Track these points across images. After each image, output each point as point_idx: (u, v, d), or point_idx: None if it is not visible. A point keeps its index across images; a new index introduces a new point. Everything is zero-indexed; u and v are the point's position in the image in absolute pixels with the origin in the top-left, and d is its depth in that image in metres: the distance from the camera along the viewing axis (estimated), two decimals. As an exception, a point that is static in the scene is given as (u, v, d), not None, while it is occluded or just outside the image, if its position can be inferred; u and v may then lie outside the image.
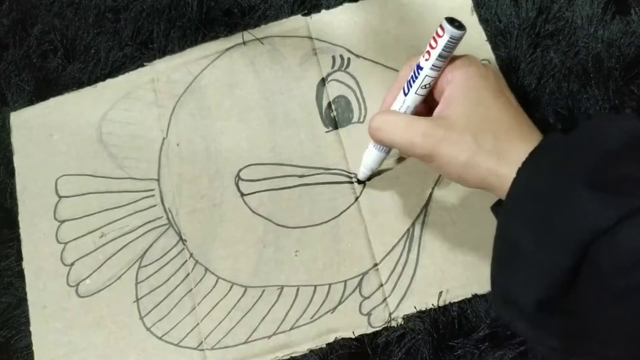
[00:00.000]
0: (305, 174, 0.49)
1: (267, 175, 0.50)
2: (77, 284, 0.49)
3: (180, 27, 0.55)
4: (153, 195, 0.51)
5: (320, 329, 0.46)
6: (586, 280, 0.31)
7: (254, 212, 0.49)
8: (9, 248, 0.51)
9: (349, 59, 0.52)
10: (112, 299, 0.48)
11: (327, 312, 0.46)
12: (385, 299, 0.46)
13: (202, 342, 0.47)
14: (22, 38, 0.57)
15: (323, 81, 0.51)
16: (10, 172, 0.53)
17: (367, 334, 0.45)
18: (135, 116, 0.53)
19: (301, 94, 0.51)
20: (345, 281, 0.47)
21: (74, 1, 0.57)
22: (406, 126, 0.38)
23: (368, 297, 0.46)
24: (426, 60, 0.38)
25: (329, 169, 0.49)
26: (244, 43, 0.53)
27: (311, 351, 0.45)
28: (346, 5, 0.53)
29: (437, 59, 0.38)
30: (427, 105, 0.41)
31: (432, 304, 0.45)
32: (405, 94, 0.40)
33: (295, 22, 0.53)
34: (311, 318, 0.46)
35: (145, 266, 0.49)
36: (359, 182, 0.49)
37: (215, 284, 0.48)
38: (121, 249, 0.49)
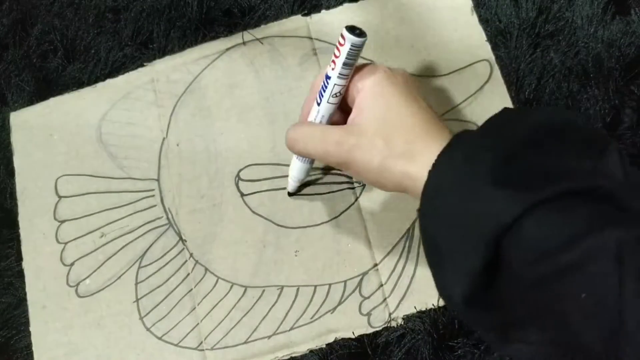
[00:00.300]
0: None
1: (267, 176, 0.50)
2: (77, 284, 0.49)
3: (180, 27, 0.55)
4: (153, 196, 0.50)
5: (320, 329, 0.46)
6: (503, 274, 0.32)
7: (254, 212, 0.49)
8: (9, 248, 0.51)
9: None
10: (112, 299, 0.48)
11: (327, 312, 0.46)
12: (385, 299, 0.46)
13: (202, 342, 0.47)
14: (22, 38, 0.57)
15: (323, 81, 0.51)
16: (10, 172, 0.53)
17: (367, 334, 0.45)
18: (135, 116, 0.53)
19: (301, 94, 0.51)
20: (345, 281, 0.47)
21: (74, 1, 0.57)
22: (320, 136, 0.39)
23: (368, 297, 0.46)
24: (332, 69, 0.39)
25: (329, 170, 0.49)
26: (244, 43, 0.53)
27: (311, 351, 0.45)
28: (346, 5, 0.53)
29: (342, 67, 0.39)
30: (344, 114, 0.42)
31: (432, 304, 0.45)
32: (319, 104, 0.41)
33: (295, 22, 0.53)
34: (311, 318, 0.46)
35: (145, 266, 0.49)
36: (290, 194, 0.49)
37: (215, 284, 0.48)
38: (121, 249, 0.49)
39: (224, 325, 0.47)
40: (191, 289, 0.48)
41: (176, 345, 0.47)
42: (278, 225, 0.48)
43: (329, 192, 0.49)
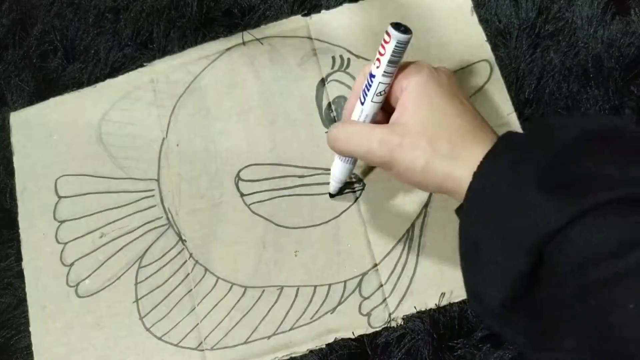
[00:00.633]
0: (305, 174, 0.49)
1: (266, 176, 0.50)
2: (77, 284, 0.49)
3: (180, 27, 0.55)
4: (153, 196, 0.50)
5: (320, 329, 0.46)
6: (546, 281, 0.32)
7: (253, 212, 0.49)
8: (9, 248, 0.51)
9: (348, 59, 0.52)
10: (111, 299, 0.48)
11: (326, 313, 0.46)
12: (385, 299, 0.46)
13: (201, 342, 0.47)
14: (22, 38, 0.57)
15: (323, 81, 0.51)
16: (10, 172, 0.53)
17: (366, 335, 0.45)
18: (135, 116, 0.53)
19: (301, 95, 0.51)
20: (345, 281, 0.47)
21: (74, 1, 0.57)
22: (363, 135, 0.39)
23: (368, 298, 0.46)
24: (377, 67, 0.39)
25: (329, 170, 0.49)
26: (244, 43, 0.53)
27: (311, 351, 0.45)
28: (346, 5, 0.53)
29: (387, 65, 0.38)
30: (386, 113, 0.41)
31: (432, 305, 0.45)
32: (362, 103, 0.40)
33: (295, 23, 0.53)
34: (311, 318, 0.46)
35: (145, 266, 0.49)
36: (331, 196, 0.48)
37: (215, 284, 0.48)
38: (121, 249, 0.49)
39: (223, 326, 0.47)
40: (191, 289, 0.48)
41: (176, 345, 0.47)
42: (278, 225, 0.48)
43: (328, 192, 0.49)
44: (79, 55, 0.55)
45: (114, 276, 0.49)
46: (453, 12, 0.52)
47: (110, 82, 0.54)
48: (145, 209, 0.50)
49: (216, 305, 0.47)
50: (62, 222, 0.51)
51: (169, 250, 0.49)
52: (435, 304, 0.45)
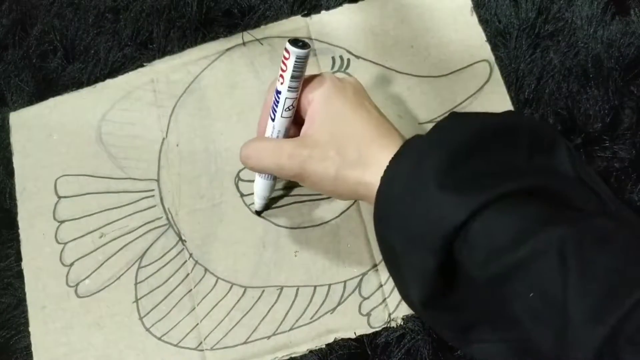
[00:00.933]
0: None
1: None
2: (77, 284, 0.49)
3: (180, 27, 0.55)
4: (153, 196, 0.50)
5: (319, 329, 0.46)
6: (459, 277, 0.33)
7: (253, 212, 0.49)
8: (9, 248, 0.51)
9: (348, 59, 0.52)
10: (111, 299, 0.48)
11: (326, 313, 0.46)
12: (384, 299, 0.46)
13: (201, 342, 0.47)
14: (22, 38, 0.57)
15: (323, 82, 0.51)
16: (10, 172, 0.53)
17: (366, 335, 0.45)
18: (135, 116, 0.53)
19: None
20: (345, 282, 0.47)
21: (74, 1, 0.57)
22: (272, 151, 0.40)
23: (368, 298, 0.46)
24: (281, 83, 0.40)
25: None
26: (244, 44, 0.53)
27: (311, 351, 0.45)
28: (346, 6, 0.53)
29: (290, 81, 0.39)
30: (298, 127, 0.42)
31: (432, 305, 0.45)
32: (273, 120, 0.41)
33: (295, 23, 0.53)
34: (311, 318, 0.46)
35: (144, 266, 0.49)
36: (257, 213, 0.48)
37: (215, 285, 0.48)
38: (121, 249, 0.49)
39: (223, 326, 0.47)
40: (191, 289, 0.48)
41: (176, 345, 0.47)
42: (278, 225, 0.48)
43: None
44: (78, 55, 0.55)
45: (114, 276, 0.49)
46: (453, 12, 0.52)
47: (110, 82, 0.54)
48: (145, 209, 0.50)
49: (216, 305, 0.47)
50: (61, 222, 0.51)
51: (169, 251, 0.49)
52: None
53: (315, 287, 0.47)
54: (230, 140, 0.51)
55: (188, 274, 0.48)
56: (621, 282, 0.28)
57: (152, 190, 0.51)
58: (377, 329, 0.45)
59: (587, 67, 0.49)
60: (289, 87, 0.40)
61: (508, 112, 0.37)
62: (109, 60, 0.55)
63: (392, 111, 0.49)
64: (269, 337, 0.46)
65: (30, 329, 0.49)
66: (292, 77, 0.39)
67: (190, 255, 0.49)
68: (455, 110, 0.49)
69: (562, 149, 0.35)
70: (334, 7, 0.53)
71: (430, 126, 0.49)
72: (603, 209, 0.34)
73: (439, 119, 0.49)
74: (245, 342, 0.46)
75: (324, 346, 0.45)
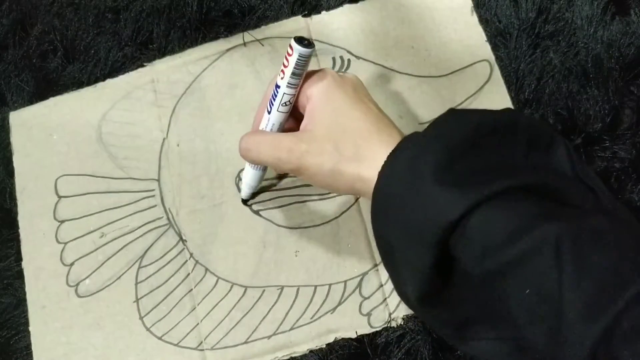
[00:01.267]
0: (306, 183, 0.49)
1: (267, 176, 0.49)
2: (77, 284, 0.49)
3: (180, 27, 0.55)
4: (153, 196, 0.50)
5: (320, 329, 0.46)
6: (455, 273, 0.33)
7: (254, 212, 0.49)
8: (9, 248, 0.51)
9: (349, 60, 0.52)
10: (111, 299, 0.48)
11: (327, 313, 0.46)
12: (385, 299, 0.46)
13: (201, 342, 0.47)
14: (22, 38, 0.57)
15: (323, 82, 0.51)
16: (10, 172, 0.53)
17: (366, 335, 0.45)
18: (135, 116, 0.53)
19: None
20: (345, 281, 0.47)
21: (74, 1, 0.57)
22: (272, 144, 0.40)
23: (368, 298, 0.46)
24: (282, 78, 0.40)
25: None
26: (244, 44, 0.53)
27: (311, 351, 0.45)
28: (346, 6, 0.53)
29: (291, 77, 0.40)
30: (297, 122, 0.42)
31: (432, 304, 0.45)
32: (269, 112, 0.42)
33: (295, 23, 0.53)
34: (311, 318, 0.46)
35: (145, 266, 0.49)
36: (244, 202, 0.49)
37: (215, 284, 0.48)
38: (121, 249, 0.49)
39: (224, 326, 0.47)
40: (191, 289, 0.48)
41: (176, 345, 0.47)
42: (278, 225, 0.48)
43: (329, 193, 0.49)
44: (78, 55, 0.55)
45: (114, 276, 0.49)
46: (453, 12, 0.52)
47: (110, 82, 0.54)
48: (145, 209, 0.50)
49: (216, 305, 0.47)
50: (62, 222, 0.51)
51: (169, 250, 0.49)
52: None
53: (315, 287, 0.47)
54: (230, 141, 0.51)
55: (188, 274, 0.48)
56: (616, 280, 0.28)
57: (153, 190, 0.51)
58: (377, 329, 0.45)
59: (587, 67, 0.49)
60: (288, 83, 0.40)
61: (506, 110, 0.37)
62: (109, 60, 0.55)
63: (392, 111, 0.49)
64: (269, 337, 0.46)
65: (30, 328, 0.49)
66: (293, 73, 0.39)
67: (191, 255, 0.49)
68: (455, 110, 0.49)
69: (560, 147, 0.35)
70: (334, 7, 0.53)
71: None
72: (600, 207, 0.34)
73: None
74: (245, 342, 0.46)
75: (324, 346, 0.45)
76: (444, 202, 0.31)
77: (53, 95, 0.54)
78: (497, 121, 0.35)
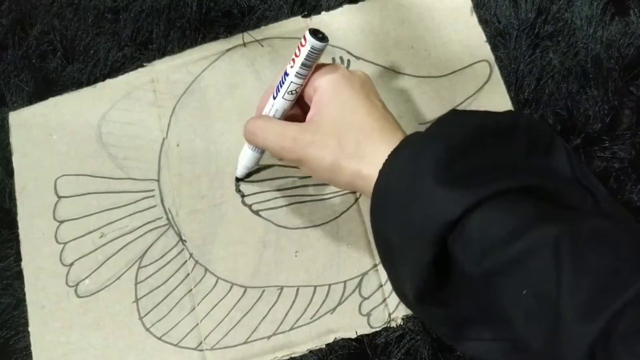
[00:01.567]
0: (306, 174, 0.49)
1: (267, 177, 0.50)
2: (77, 284, 0.49)
3: (180, 27, 0.55)
4: (153, 196, 0.50)
5: (319, 329, 0.46)
6: (453, 272, 0.33)
7: (254, 212, 0.49)
8: (8, 248, 0.51)
9: (348, 60, 0.52)
10: (111, 299, 0.48)
11: (326, 313, 0.46)
12: (385, 299, 0.46)
13: (201, 342, 0.47)
14: (22, 38, 0.57)
15: (323, 82, 0.51)
16: (9, 172, 0.53)
17: (366, 335, 0.45)
18: (135, 116, 0.53)
19: (301, 95, 0.51)
20: (345, 282, 0.47)
21: (74, 1, 0.57)
22: (278, 131, 0.40)
23: (368, 298, 0.46)
24: (291, 67, 0.40)
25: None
26: (244, 44, 0.53)
27: (311, 351, 0.45)
28: (346, 6, 0.53)
29: (300, 67, 0.40)
30: (303, 111, 0.43)
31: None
32: (274, 98, 0.42)
33: (295, 24, 0.53)
34: (311, 318, 0.46)
35: (144, 266, 0.49)
36: (237, 180, 0.49)
37: (215, 285, 0.48)
38: (121, 249, 0.49)
39: (223, 326, 0.47)
40: (191, 289, 0.48)
41: (176, 345, 0.47)
42: (278, 225, 0.48)
43: (329, 193, 0.49)
44: (78, 55, 0.55)
45: (114, 276, 0.49)
46: (453, 13, 0.52)
47: (109, 82, 0.54)
48: (145, 209, 0.50)
49: (216, 305, 0.47)
50: (61, 222, 0.51)
51: (169, 251, 0.49)
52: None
53: (315, 287, 0.47)
54: (230, 141, 0.51)
55: (188, 274, 0.48)
56: (615, 280, 0.28)
57: (153, 190, 0.51)
58: (377, 329, 0.45)
59: (586, 67, 0.49)
60: (297, 72, 0.40)
61: (507, 112, 0.37)
62: (109, 60, 0.55)
63: (392, 111, 0.49)
64: (269, 337, 0.46)
65: (30, 329, 0.49)
66: (303, 64, 0.39)
67: (191, 255, 0.49)
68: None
69: (559, 149, 0.35)
70: (334, 7, 0.53)
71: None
72: (599, 208, 0.34)
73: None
74: (245, 342, 0.46)
75: (324, 346, 0.45)
76: (443, 201, 0.32)
77: (52, 96, 0.54)
78: (498, 122, 0.35)
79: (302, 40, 0.39)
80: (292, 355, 0.46)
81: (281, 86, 0.41)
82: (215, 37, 0.54)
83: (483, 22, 0.52)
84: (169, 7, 0.55)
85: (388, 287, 0.46)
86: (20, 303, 0.50)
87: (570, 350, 0.28)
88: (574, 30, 0.50)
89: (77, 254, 0.50)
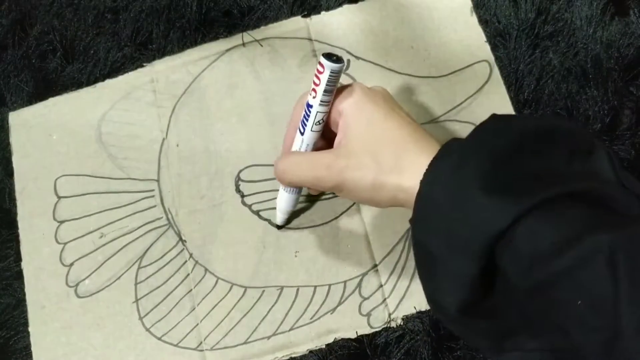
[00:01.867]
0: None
1: (267, 177, 0.50)
2: (77, 285, 0.49)
3: (180, 27, 0.55)
4: (153, 196, 0.50)
5: (319, 329, 0.46)
6: (499, 282, 0.32)
7: (254, 212, 0.49)
8: (8, 249, 0.51)
9: (348, 60, 0.52)
10: (111, 300, 0.48)
11: (326, 313, 0.46)
12: (384, 299, 0.46)
13: (201, 342, 0.47)
14: (22, 38, 0.57)
15: (323, 82, 0.51)
16: (9, 173, 0.53)
17: (366, 335, 0.45)
18: (135, 117, 0.53)
19: (301, 95, 0.51)
20: (345, 282, 0.47)
21: (73, 2, 0.57)
22: (309, 163, 0.40)
23: (368, 298, 0.46)
24: (313, 97, 0.40)
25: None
26: (244, 44, 0.53)
27: (310, 352, 0.45)
28: (346, 6, 0.53)
29: (323, 94, 0.39)
30: (326, 138, 0.42)
31: (432, 305, 0.45)
32: (302, 133, 0.41)
33: (294, 24, 0.53)
34: (311, 319, 0.46)
35: (144, 267, 0.49)
36: (278, 227, 0.48)
37: (215, 285, 0.48)
38: (121, 249, 0.49)
39: (223, 326, 0.47)
40: (191, 290, 0.48)
41: (176, 345, 0.47)
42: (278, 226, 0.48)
43: (329, 193, 0.49)
44: (78, 55, 0.55)
45: (114, 276, 0.49)
46: (453, 13, 0.52)
47: (109, 83, 0.54)
48: (145, 209, 0.50)
49: (216, 305, 0.47)
50: (61, 222, 0.51)
51: (169, 251, 0.49)
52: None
53: (315, 287, 0.47)
54: (230, 141, 0.51)
55: (188, 274, 0.48)
56: None
57: (152, 190, 0.51)
58: (376, 329, 0.45)
59: (586, 67, 0.49)
60: (321, 101, 0.39)
61: (546, 116, 0.36)
62: (109, 61, 0.55)
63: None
64: (268, 337, 0.46)
65: (30, 329, 0.49)
66: (325, 91, 0.39)
67: (191, 255, 0.49)
68: (455, 110, 0.49)
69: (601, 153, 0.34)
70: (334, 7, 0.53)
71: (430, 126, 0.49)
72: None
73: (439, 119, 0.49)
74: (245, 342, 0.46)
75: (323, 346, 0.45)
76: (490, 211, 0.31)
77: (52, 96, 0.54)
78: (539, 127, 0.34)
79: (319, 68, 0.39)
80: (292, 356, 0.46)
81: (307, 119, 0.40)
82: (215, 37, 0.54)
83: (483, 22, 0.52)
84: (168, 7, 0.55)
85: (388, 287, 0.46)
86: (20, 303, 0.50)
87: None
88: (573, 30, 0.50)
89: (77, 254, 0.50)
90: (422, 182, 0.34)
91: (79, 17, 0.56)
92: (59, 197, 0.51)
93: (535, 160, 0.33)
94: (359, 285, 0.47)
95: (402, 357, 0.45)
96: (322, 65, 0.38)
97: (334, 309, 0.46)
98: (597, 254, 0.28)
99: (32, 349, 0.48)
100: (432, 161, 0.35)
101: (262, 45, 0.53)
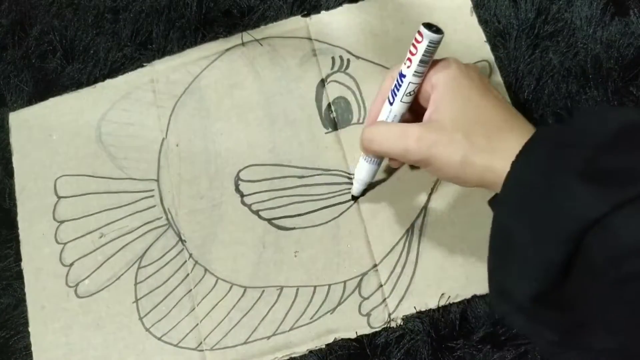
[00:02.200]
0: (305, 174, 0.49)
1: (266, 176, 0.50)
2: (76, 285, 0.49)
3: (180, 27, 0.55)
4: (152, 196, 0.50)
5: (319, 329, 0.46)
6: (580, 272, 0.31)
7: (253, 212, 0.49)
8: (8, 249, 0.51)
9: (348, 60, 0.52)
10: (111, 300, 0.48)
11: (326, 313, 0.46)
12: (384, 299, 0.46)
13: (201, 342, 0.47)
14: (21, 38, 0.57)
15: (323, 82, 0.51)
16: (9, 173, 0.53)
17: (366, 335, 0.45)
18: (135, 117, 0.53)
19: (301, 95, 0.51)
20: (345, 282, 0.47)
21: (73, 2, 0.57)
22: (399, 134, 0.39)
23: (367, 298, 0.46)
24: (408, 67, 0.39)
25: (329, 170, 0.49)
26: (244, 44, 0.53)
27: (310, 352, 0.45)
28: (346, 6, 0.53)
29: (418, 65, 0.38)
30: (412, 112, 0.41)
31: (432, 305, 0.45)
32: (391, 103, 0.40)
33: (294, 23, 0.53)
34: (310, 319, 0.46)
35: (144, 267, 0.49)
36: (354, 198, 0.48)
37: (215, 285, 0.48)
38: (120, 249, 0.49)
39: (223, 326, 0.47)
40: (191, 290, 0.48)
41: (176, 345, 0.47)
42: (278, 225, 0.48)
43: (328, 193, 0.49)
44: (78, 55, 0.55)
45: (114, 276, 0.49)
46: (453, 13, 0.52)
47: (109, 83, 0.54)
48: (145, 209, 0.50)
49: (216, 305, 0.47)
50: (61, 222, 0.51)
51: (168, 251, 0.49)
52: (435, 305, 0.45)
53: (315, 287, 0.47)
54: (230, 141, 0.51)
55: (188, 274, 0.48)
56: None
57: (152, 190, 0.51)
58: (376, 329, 0.45)
59: (586, 67, 0.49)
60: (415, 71, 0.39)
61: None
62: (109, 61, 0.55)
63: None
64: (268, 338, 0.46)
65: (30, 329, 0.49)
66: (421, 61, 0.38)
67: (190, 255, 0.49)
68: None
69: None
70: (334, 7, 0.53)
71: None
72: None
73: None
74: (245, 342, 0.46)
75: (323, 346, 0.45)
76: (587, 199, 0.30)
77: (52, 96, 0.54)
78: (638, 120, 0.34)
79: (417, 37, 0.38)
80: (292, 356, 0.46)
81: (398, 89, 0.40)
82: (215, 37, 0.54)
83: (483, 22, 0.52)
84: (168, 7, 0.55)
85: (388, 287, 0.46)
86: (20, 303, 0.50)
87: None
88: (573, 30, 0.50)
89: (77, 254, 0.50)
90: (514, 162, 0.34)
91: (79, 17, 0.56)
92: (59, 197, 0.51)
93: (633, 153, 0.32)
94: (359, 285, 0.47)
95: (402, 357, 0.45)
96: (420, 34, 0.38)
97: (333, 309, 0.46)
98: None
99: (32, 349, 0.48)
100: (526, 143, 0.34)
101: (261, 45, 0.53)
